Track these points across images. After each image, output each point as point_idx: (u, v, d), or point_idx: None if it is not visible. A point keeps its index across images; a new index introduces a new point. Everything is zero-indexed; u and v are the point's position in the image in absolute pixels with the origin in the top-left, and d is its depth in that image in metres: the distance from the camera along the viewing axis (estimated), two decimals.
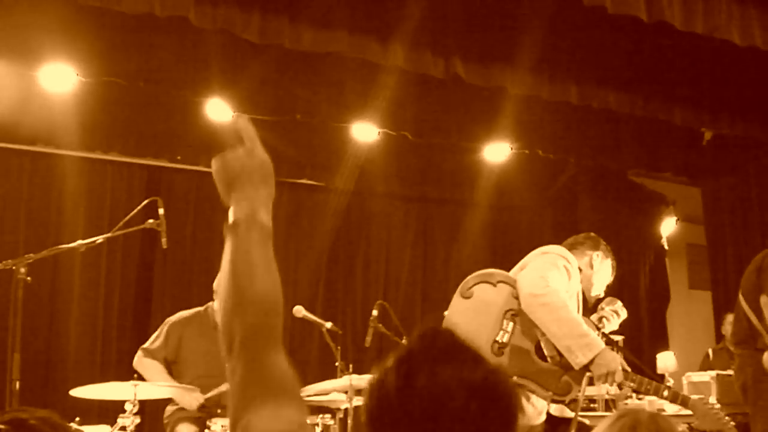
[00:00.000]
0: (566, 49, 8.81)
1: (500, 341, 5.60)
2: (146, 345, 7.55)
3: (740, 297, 6.61)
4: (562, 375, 5.59)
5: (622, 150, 10.99)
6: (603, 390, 8.66)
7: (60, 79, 8.76)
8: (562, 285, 5.65)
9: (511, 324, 5.64)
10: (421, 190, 11.89)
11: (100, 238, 6.68)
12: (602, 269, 6.28)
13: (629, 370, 5.88)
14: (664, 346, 12.16)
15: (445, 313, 5.82)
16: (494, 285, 5.76)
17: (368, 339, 7.27)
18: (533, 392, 5.58)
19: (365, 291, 11.72)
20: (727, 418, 6.04)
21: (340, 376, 7.34)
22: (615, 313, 6.38)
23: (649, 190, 13.15)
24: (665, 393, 5.91)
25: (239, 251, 2.24)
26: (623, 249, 12.85)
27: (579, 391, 5.58)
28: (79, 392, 6.46)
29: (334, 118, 9.77)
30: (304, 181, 11.26)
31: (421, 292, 12.17)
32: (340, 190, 11.31)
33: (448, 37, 8.34)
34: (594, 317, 6.23)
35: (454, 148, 10.69)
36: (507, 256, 12.54)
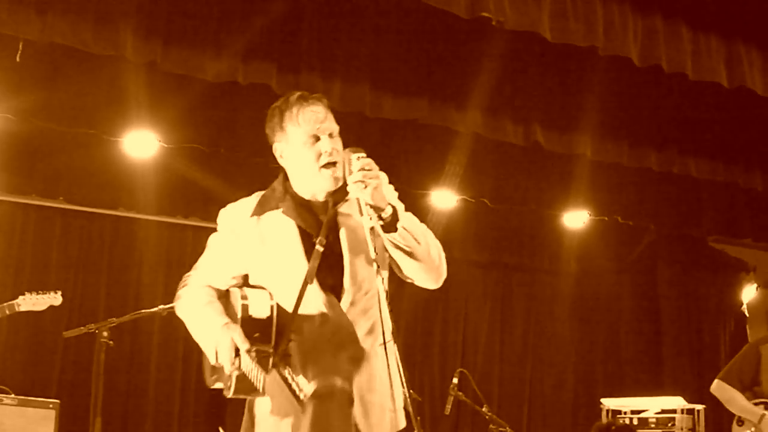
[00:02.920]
0: (646, 116, 8.78)
1: None
2: None
3: None
4: None
5: (702, 216, 10.89)
6: None
7: (142, 145, 8.88)
8: None
9: None
10: (499, 257, 11.83)
11: None
12: None
13: None
14: None
15: None
16: None
17: (448, 407, 7.24)
18: None
19: (442, 359, 11.64)
20: None
21: None
22: None
23: (730, 256, 13.00)
24: None
25: None
26: (703, 316, 12.73)
27: None
28: None
29: (413, 185, 9.78)
30: None
31: (499, 360, 12.08)
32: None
33: (527, 103, 8.35)
34: None
35: (532, 214, 10.66)
36: (586, 324, 12.52)
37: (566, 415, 12.06)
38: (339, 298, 3.98)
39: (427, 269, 4.09)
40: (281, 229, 4.15)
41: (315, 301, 3.94)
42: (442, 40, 7.99)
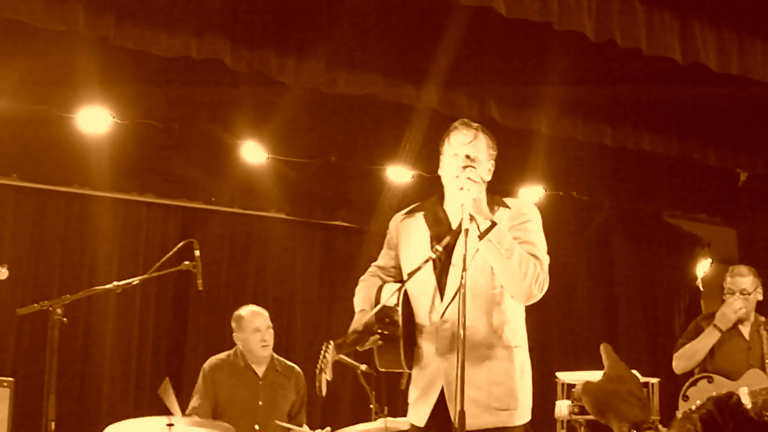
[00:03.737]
0: (601, 91, 8.81)
1: None
2: (191, 406, 7.62)
3: None
4: None
5: (657, 191, 10.97)
6: None
7: (95, 121, 8.82)
8: None
9: None
10: None
11: (135, 280, 6.69)
12: None
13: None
14: None
15: None
16: None
17: (403, 381, 7.23)
18: None
19: None
20: None
21: (375, 419, 7.32)
22: None
23: (684, 231, 13.08)
24: None
25: None
26: (658, 290, 12.82)
27: None
28: (113, 430, 6.47)
29: (368, 160, 9.78)
30: (338, 223, 11.24)
31: None
32: (375, 232, 11.28)
33: (483, 79, 8.36)
34: None
35: (488, 189, 10.65)
36: (540, 299, 12.56)
37: None
38: (441, 298, 4.80)
39: (511, 284, 4.75)
40: (419, 231, 5.00)
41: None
42: (398, 15, 7.98)
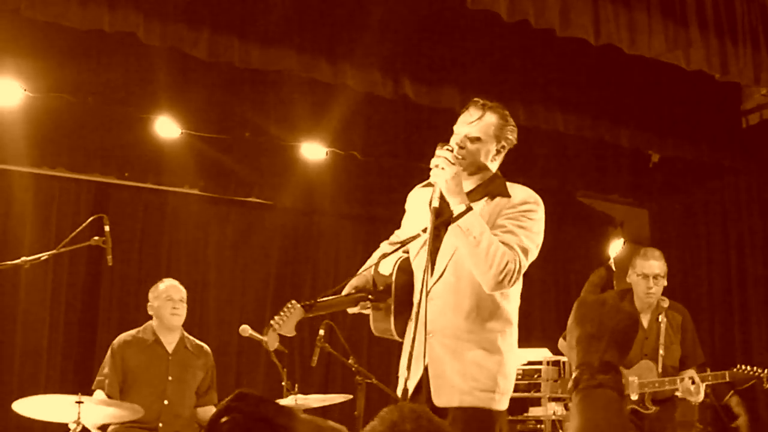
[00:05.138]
0: (514, 71, 8.86)
1: None
2: (97, 381, 7.62)
3: None
4: None
5: (570, 171, 11.06)
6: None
7: (6, 93, 8.71)
8: None
9: None
10: (370, 209, 11.77)
11: (45, 255, 6.63)
12: None
13: None
14: None
15: None
16: None
17: (314, 359, 7.25)
18: None
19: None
20: None
21: (286, 396, 7.34)
22: None
23: (597, 211, 13.21)
24: None
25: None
26: (571, 270, 12.93)
27: None
28: (21, 405, 6.42)
29: (282, 137, 9.76)
30: (252, 199, 11.19)
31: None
32: (289, 208, 11.27)
33: (397, 57, 8.37)
34: None
35: (401, 167, 10.66)
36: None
37: None
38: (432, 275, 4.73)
39: (478, 271, 4.65)
40: (425, 205, 4.86)
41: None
42: None
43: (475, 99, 5.07)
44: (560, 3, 7.29)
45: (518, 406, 9.95)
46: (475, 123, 4.90)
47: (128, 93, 8.85)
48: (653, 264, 7.76)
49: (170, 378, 7.63)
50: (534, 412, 9.87)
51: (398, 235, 5.24)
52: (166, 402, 7.55)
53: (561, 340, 8.11)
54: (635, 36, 7.62)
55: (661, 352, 7.63)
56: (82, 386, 7.11)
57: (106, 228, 6.70)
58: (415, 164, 10.50)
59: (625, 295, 7.78)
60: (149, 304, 7.87)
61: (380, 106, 9.29)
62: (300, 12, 7.97)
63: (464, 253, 4.62)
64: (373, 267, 4.97)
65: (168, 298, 7.76)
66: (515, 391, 9.88)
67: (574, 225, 12.99)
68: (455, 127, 4.94)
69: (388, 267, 4.89)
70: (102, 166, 10.33)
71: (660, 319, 7.71)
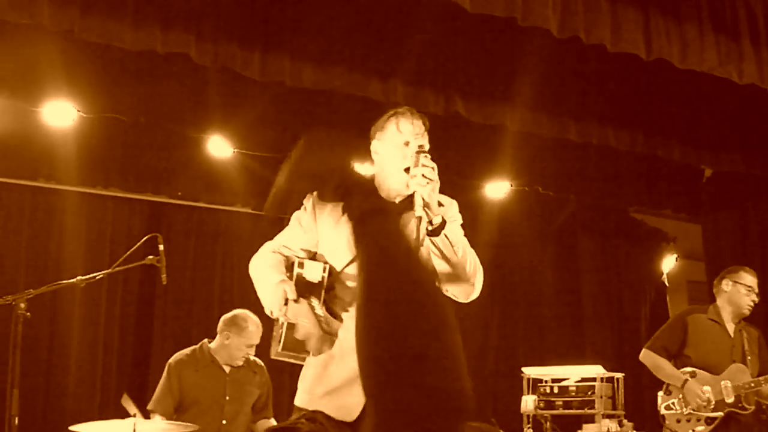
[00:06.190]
0: (566, 87, 8.84)
1: None
2: (153, 401, 7.60)
3: None
4: None
5: (623, 187, 11.01)
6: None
7: (60, 115, 8.81)
8: None
9: None
10: None
11: (99, 274, 6.67)
12: None
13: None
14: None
15: None
16: None
17: None
18: None
19: None
20: None
21: None
22: None
23: (650, 227, 13.16)
24: None
25: None
26: (624, 286, 12.88)
27: None
28: (78, 429, 6.45)
29: None
30: None
31: None
32: None
33: (448, 74, 8.37)
34: None
35: (454, 185, 10.66)
36: (507, 294, 12.60)
37: (487, 385, 12.13)
38: None
39: (459, 282, 4.52)
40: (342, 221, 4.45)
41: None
42: (364, 10, 7.98)
43: (408, 108, 4.87)
44: (611, 19, 7.28)
45: (572, 422, 9.90)
46: (424, 134, 4.73)
47: (181, 113, 8.90)
48: (756, 279, 8.06)
49: (227, 398, 7.60)
50: (588, 429, 9.81)
51: (291, 247, 4.83)
52: (224, 422, 7.54)
53: (645, 349, 8.16)
54: (686, 50, 7.59)
55: (749, 357, 7.73)
56: (137, 405, 7.14)
57: (161, 247, 6.74)
58: (467, 182, 10.53)
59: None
60: (225, 332, 7.68)
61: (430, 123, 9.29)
62: (350, 31, 7.99)
63: (446, 264, 4.44)
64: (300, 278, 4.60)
65: (250, 346, 7.66)
66: (568, 407, 9.94)
67: (627, 241, 12.93)
68: (408, 138, 4.65)
69: (314, 276, 4.55)
70: (155, 185, 10.42)
71: (742, 332, 7.91)
